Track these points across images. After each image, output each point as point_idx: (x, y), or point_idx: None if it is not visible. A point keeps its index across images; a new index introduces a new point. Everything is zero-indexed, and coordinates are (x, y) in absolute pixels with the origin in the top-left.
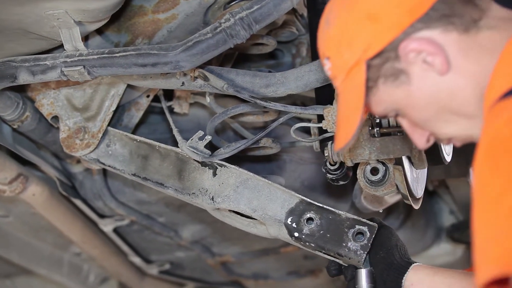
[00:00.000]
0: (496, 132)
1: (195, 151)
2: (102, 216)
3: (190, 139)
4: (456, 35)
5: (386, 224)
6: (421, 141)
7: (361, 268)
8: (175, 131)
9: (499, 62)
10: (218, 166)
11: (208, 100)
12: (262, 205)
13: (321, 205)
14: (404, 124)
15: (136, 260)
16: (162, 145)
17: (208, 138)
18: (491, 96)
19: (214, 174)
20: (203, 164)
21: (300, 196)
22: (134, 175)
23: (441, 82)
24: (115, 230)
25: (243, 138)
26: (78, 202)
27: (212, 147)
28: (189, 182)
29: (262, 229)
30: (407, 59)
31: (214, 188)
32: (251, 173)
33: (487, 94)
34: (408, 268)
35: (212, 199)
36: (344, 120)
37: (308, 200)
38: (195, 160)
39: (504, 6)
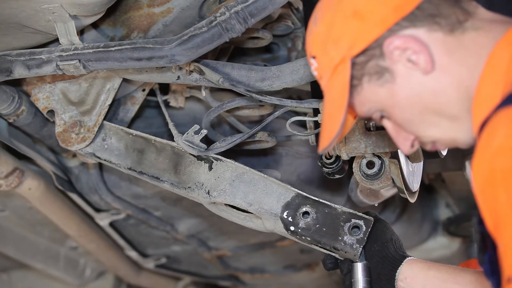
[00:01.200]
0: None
1: (190, 145)
2: (98, 210)
3: (186, 133)
4: (441, 35)
5: (381, 218)
6: (405, 146)
7: (357, 262)
8: (170, 125)
9: (486, 68)
10: (214, 160)
11: (203, 94)
12: (258, 199)
13: (317, 199)
14: (389, 127)
15: (133, 254)
16: (158, 139)
17: (204, 132)
18: (483, 104)
19: (210, 168)
20: (199, 158)
21: (296, 190)
22: (130, 169)
23: (425, 81)
24: (111, 224)
25: (239, 132)
26: (74, 196)
27: (208, 141)
28: (185, 176)
29: (258, 223)
30: (392, 57)
31: (210, 182)
32: (247, 167)
33: (476, 101)
34: (402, 262)
35: (208, 193)
36: (328, 118)
37: (304, 194)
38: (191, 154)
39: (490, 10)
